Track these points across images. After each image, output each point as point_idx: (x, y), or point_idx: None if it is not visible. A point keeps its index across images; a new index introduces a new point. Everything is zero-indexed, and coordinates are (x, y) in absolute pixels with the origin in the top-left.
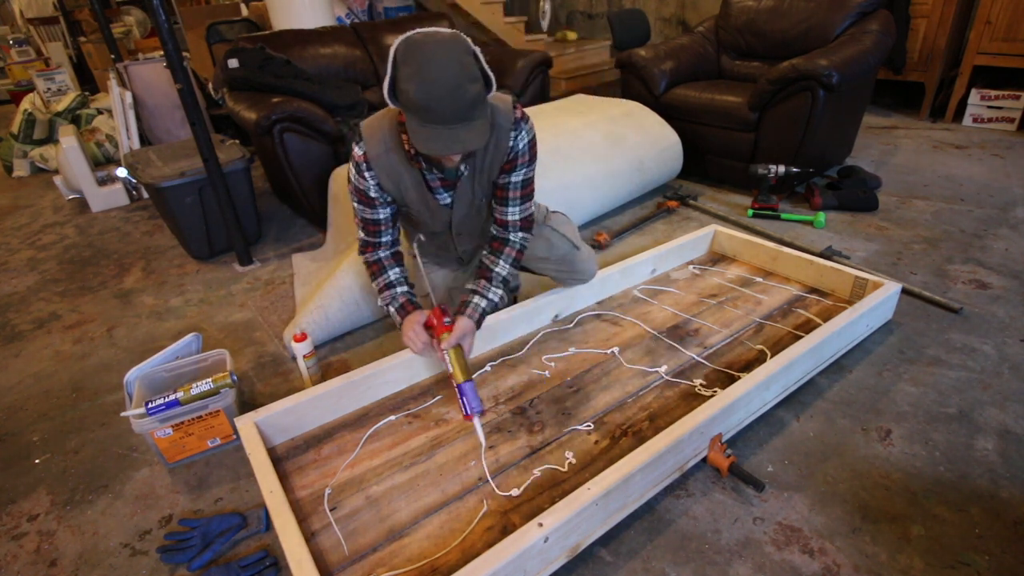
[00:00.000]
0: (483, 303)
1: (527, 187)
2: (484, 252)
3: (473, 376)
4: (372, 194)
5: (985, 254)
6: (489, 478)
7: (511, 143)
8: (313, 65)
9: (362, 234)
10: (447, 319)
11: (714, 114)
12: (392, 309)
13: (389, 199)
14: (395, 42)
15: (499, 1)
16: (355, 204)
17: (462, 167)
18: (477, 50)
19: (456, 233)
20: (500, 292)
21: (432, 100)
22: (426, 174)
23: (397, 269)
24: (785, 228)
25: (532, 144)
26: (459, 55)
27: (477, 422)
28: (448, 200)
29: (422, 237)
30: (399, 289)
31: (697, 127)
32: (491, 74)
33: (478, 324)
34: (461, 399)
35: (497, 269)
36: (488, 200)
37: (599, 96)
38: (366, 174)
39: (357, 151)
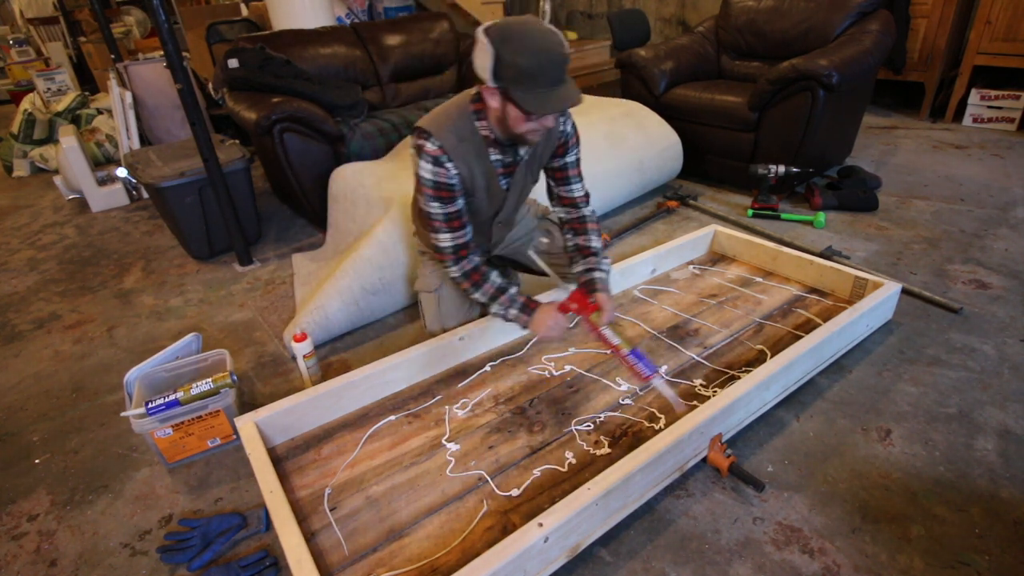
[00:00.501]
0: (604, 273)
1: (579, 166)
2: (569, 236)
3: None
4: (455, 183)
5: (985, 254)
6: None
7: (561, 128)
8: (313, 65)
9: (446, 238)
10: (590, 299)
11: (714, 114)
12: (515, 311)
13: (463, 189)
14: (482, 33)
15: (499, 1)
16: (432, 205)
17: (522, 151)
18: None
19: (499, 221)
20: (608, 259)
21: (542, 66)
22: (493, 158)
23: (496, 271)
24: (785, 228)
25: (575, 127)
26: (546, 27)
27: (660, 383)
28: (506, 186)
29: None
30: (512, 291)
31: (697, 127)
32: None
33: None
34: (638, 363)
35: (594, 244)
36: (533, 183)
37: (599, 96)
38: (447, 165)
39: (430, 147)
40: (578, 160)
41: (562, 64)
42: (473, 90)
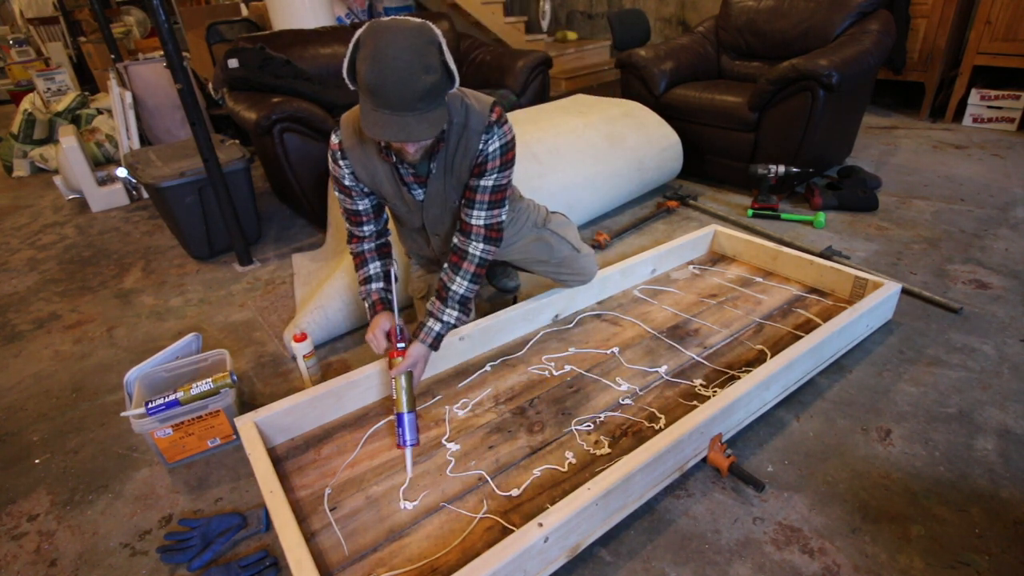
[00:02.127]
0: (436, 326)
1: (497, 193)
2: (444, 267)
3: (416, 408)
4: (347, 183)
5: (985, 254)
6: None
7: (481, 146)
8: (313, 65)
9: (346, 224)
10: (401, 344)
11: (714, 114)
12: (366, 304)
13: (366, 190)
14: (362, 27)
15: (499, 1)
16: (336, 193)
17: (432, 165)
18: (442, 42)
19: (432, 233)
20: (456, 313)
21: (381, 85)
22: (399, 167)
23: (378, 263)
24: (785, 228)
25: (506, 149)
26: (419, 43)
27: (409, 454)
28: (421, 197)
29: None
30: (373, 286)
31: (697, 127)
32: (454, 68)
33: (434, 347)
34: (398, 428)
35: (454, 288)
36: (457, 200)
37: (599, 96)
38: (340, 163)
39: (333, 139)
40: (496, 187)
41: (411, 90)
42: None
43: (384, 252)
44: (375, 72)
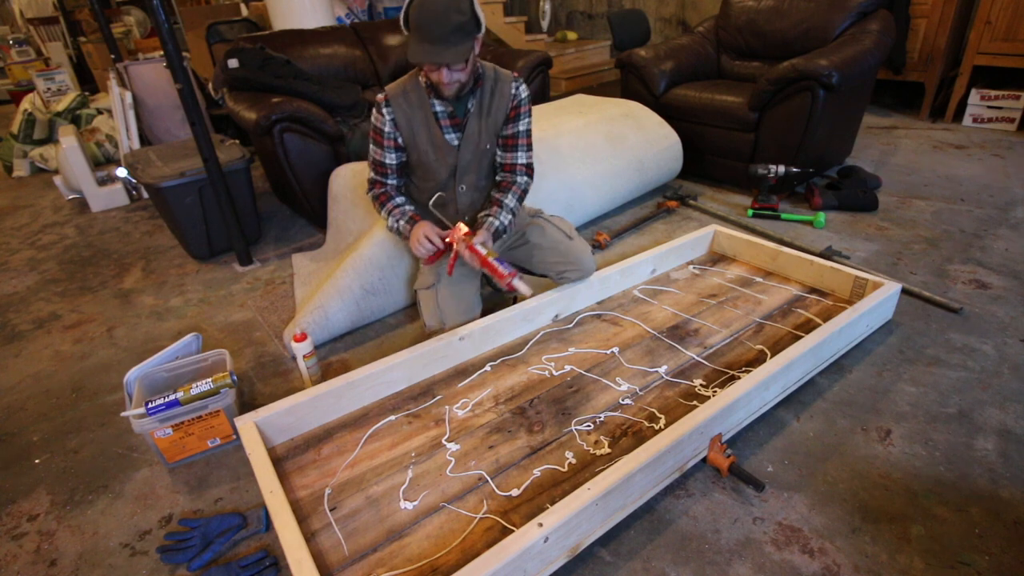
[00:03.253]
0: (496, 222)
1: (529, 136)
2: (492, 193)
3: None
4: (386, 129)
5: (985, 254)
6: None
7: (514, 91)
8: (313, 65)
9: (372, 174)
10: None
11: (714, 114)
12: (402, 223)
13: (400, 142)
14: None
15: (499, 1)
16: (371, 146)
17: (469, 105)
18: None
19: (459, 182)
20: (509, 218)
21: (423, 21)
22: (437, 108)
23: (404, 198)
24: (785, 228)
25: (531, 98)
26: None
27: (518, 282)
28: (456, 141)
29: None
30: (408, 207)
31: (697, 127)
32: (481, 16)
33: (496, 236)
34: (500, 266)
35: (506, 200)
36: (493, 151)
37: (599, 96)
38: (384, 111)
39: (379, 95)
40: (529, 131)
41: (448, 26)
42: None
43: (399, 190)
44: (420, 12)
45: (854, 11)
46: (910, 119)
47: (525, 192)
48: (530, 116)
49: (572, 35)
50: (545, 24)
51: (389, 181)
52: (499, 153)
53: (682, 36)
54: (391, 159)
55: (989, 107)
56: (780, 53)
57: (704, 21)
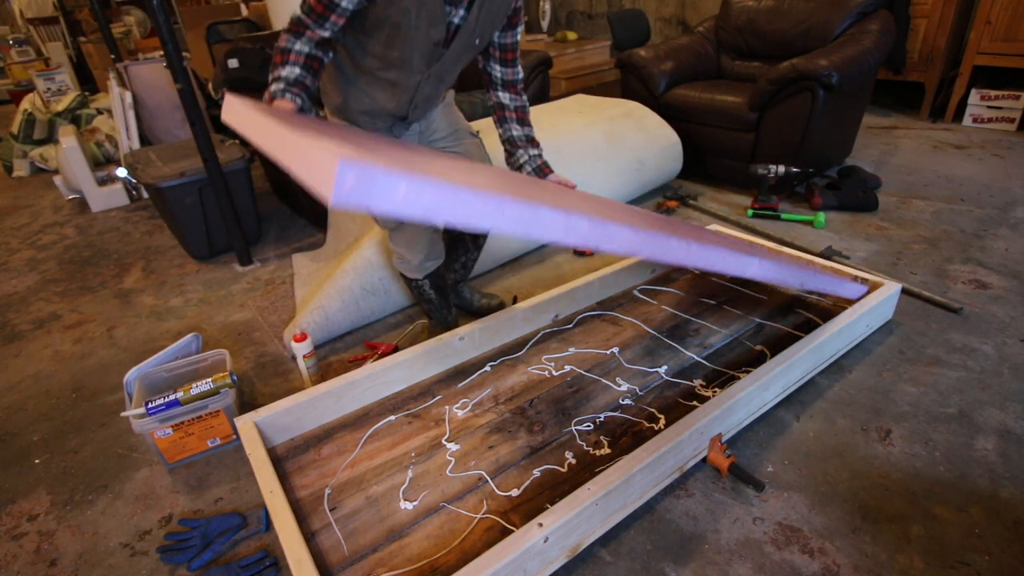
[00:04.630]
0: (542, 158)
1: (520, 47)
2: (515, 127)
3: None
4: None
5: (985, 254)
6: None
7: None
8: None
9: (301, 12)
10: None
11: (714, 114)
12: (287, 95)
13: None
14: None
15: None
16: None
17: None
18: None
19: (433, 73)
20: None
21: None
22: None
23: (306, 75)
24: (785, 228)
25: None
26: None
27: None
28: (448, 16)
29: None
30: (276, 86)
31: (697, 127)
32: None
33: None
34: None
35: (534, 133)
36: (480, 45)
37: (599, 96)
38: None
39: None
40: (519, 42)
41: None
42: None
43: (314, 68)
44: None
45: (854, 11)
46: (910, 119)
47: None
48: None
49: (572, 35)
50: (545, 24)
51: (320, 31)
52: (498, 68)
53: (682, 36)
54: (349, 2)
55: (989, 107)
56: (780, 53)
57: (704, 21)
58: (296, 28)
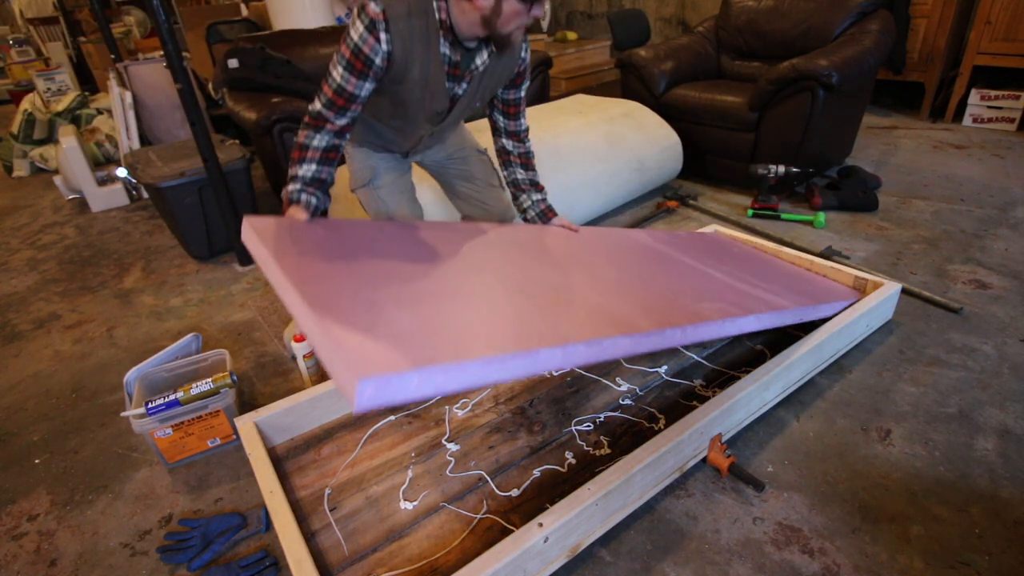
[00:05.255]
0: (545, 202)
1: (525, 101)
2: (519, 171)
3: None
4: (377, 62)
5: (985, 254)
6: None
7: (523, 54)
8: (313, 65)
9: (321, 106)
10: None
11: (714, 114)
12: (303, 197)
13: (382, 72)
14: None
15: None
16: (339, 70)
17: (479, 61)
18: None
19: (433, 126)
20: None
21: None
22: (444, 51)
23: (327, 167)
24: (785, 228)
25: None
26: None
27: None
28: (454, 92)
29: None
30: (292, 187)
31: (697, 127)
32: None
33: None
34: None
35: (538, 178)
36: (480, 105)
37: (599, 96)
38: (382, 35)
39: (373, 7)
40: (525, 96)
41: None
42: None
43: (331, 159)
44: None
45: (854, 11)
46: (910, 119)
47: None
48: (529, 80)
49: (572, 35)
50: (545, 24)
51: (340, 121)
52: (503, 121)
53: (682, 36)
54: (367, 89)
55: (989, 107)
56: (780, 53)
57: (704, 21)
58: (316, 122)
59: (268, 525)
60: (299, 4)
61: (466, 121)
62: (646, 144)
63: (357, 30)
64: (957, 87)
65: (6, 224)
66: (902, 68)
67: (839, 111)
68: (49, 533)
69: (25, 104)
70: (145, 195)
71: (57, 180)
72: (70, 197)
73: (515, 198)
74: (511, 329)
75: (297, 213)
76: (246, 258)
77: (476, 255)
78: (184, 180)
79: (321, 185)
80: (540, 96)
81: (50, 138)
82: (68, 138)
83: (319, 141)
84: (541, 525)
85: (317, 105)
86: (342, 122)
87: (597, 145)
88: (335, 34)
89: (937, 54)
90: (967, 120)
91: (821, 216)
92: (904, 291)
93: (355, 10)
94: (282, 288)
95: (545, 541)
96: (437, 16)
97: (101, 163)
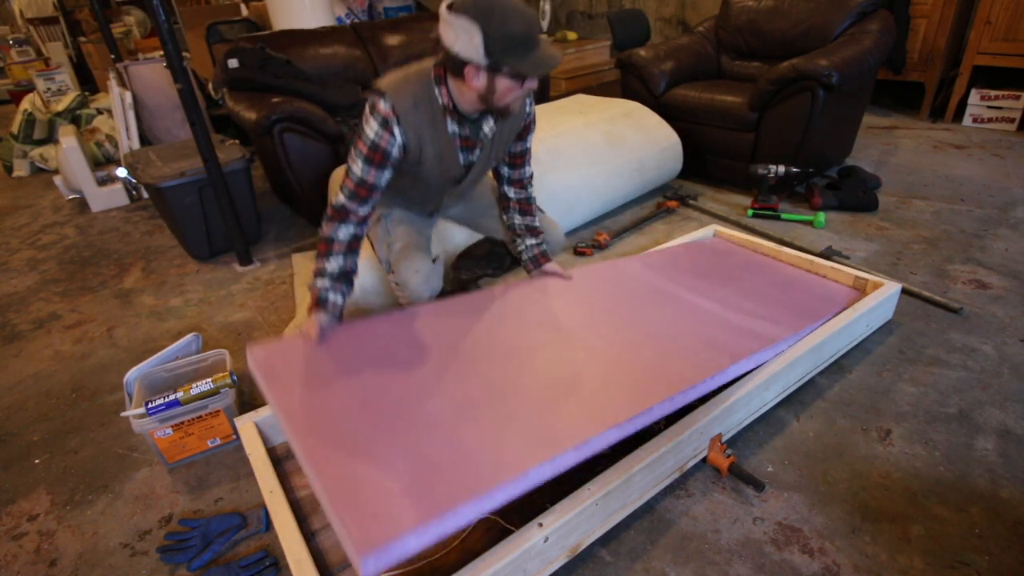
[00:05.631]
0: (548, 248)
1: (530, 150)
2: (516, 216)
3: None
4: (393, 152)
5: (985, 254)
6: None
7: (528, 108)
8: (313, 65)
9: (345, 199)
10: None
11: (714, 114)
12: (325, 294)
13: (399, 161)
14: (454, 13)
15: None
16: (357, 163)
17: (487, 128)
18: None
19: (451, 192)
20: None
21: (531, 28)
22: (452, 128)
23: (350, 256)
24: (785, 228)
25: (534, 114)
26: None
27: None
28: (465, 162)
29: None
30: (321, 282)
31: (697, 127)
32: None
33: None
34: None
35: (538, 223)
36: (496, 163)
37: (599, 96)
38: (395, 129)
39: (383, 106)
40: (531, 145)
41: (537, 27)
42: (432, 60)
43: (355, 248)
44: (525, 22)
45: (854, 11)
46: (910, 119)
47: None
48: (535, 129)
49: (572, 35)
50: (545, 24)
51: (363, 210)
52: (507, 171)
53: (682, 36)
54: (385, 177)
55: (989, 107)
56: (780, 53)
57: (704, 21)
58: (340, 215)
59: (268, 525)
60: (299, 4)
61: None
62: (646, 144)
63: (372, 127)
64: (957, 87)
65: (6, 224)
66: (902, 68)
67: (839, 111)
68: (49, 533)
69: (25, 104)
70: (145, 195)
71: (57, 180)
72: (70, 197)
73: (512, 241)
74: (501, 455)
75: (312, 329)
76: (246, 258)
77: (468, 352)
78: (184, 180)
79: (347, 278)
80: (540, 96)
81: (50, 138)
82: (68, 138)
83: (344, 233)
84: (541, 525)
85: (341, 199)
86: (365, 211)
87: (597, 145)
88: (335, 34)
89: (937, 54)
90: (967, 120)
91: (821, 216)
92: (904, 291)
93: (367, 108)
94: (287, 434)
95: (545, 541)
96: (440, 101)
97: (101, 163)
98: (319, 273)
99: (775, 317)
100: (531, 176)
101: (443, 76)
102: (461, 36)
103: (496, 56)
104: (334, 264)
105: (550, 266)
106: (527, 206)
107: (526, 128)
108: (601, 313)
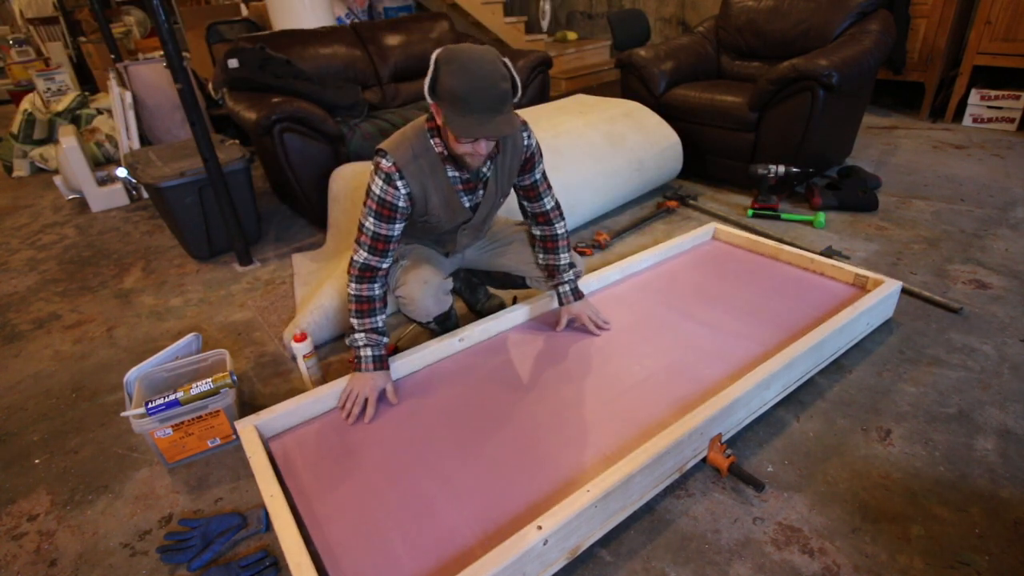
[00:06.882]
0: (568, 287)
1: (547, 178)
2: (540, 254)
3: None
4: (400, 204)
5: (985, 254)
6: None
7: (525, 142)
8: (313, 65)
9: (365, 254)
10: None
11: (714, 114)
12: (366, 352)
13: (408, 212)
14: (435, 52)
15: (499, 1)
16: (369, 220)
17: (484, 169)
18: (507, 60)
19: (465, 233)
20: (576, 267)
21: (472, 91)
22: (451, 174)
23: (383, 313)
24: (785, 228)
25: (538, 143)
26: (493, 58)
27: None
28: (468, 203)
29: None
30: (383, 339)
31: (697, 127)
32: (518, 80)
33: (579, 297)
34: None
35: (562, 261)
36: (503, 199)
37: (599, 96)
38: (398, 183)
39: (385, 163)
40: (544, 174)
41: (497, 96)
42: (424, 116)
43: (387, 301)
44: (470, 84)
45: (854, 11)
46: (910, 119)
47: (568, 239)
48: (542, 160)
49: (572, 35)
50: (545, 24)
51: (383, 264)
52: (526, 204)
53: (682, 36)
54: (398, 229)
55: (989, 107)
56: (780, 53)
57: (704, 21)
58: (367, 274)
59: (268, 525)
60: (299, 4)
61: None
62: (646, 144)
63: (378, 184)
64: (957, 87)
65: (6, 224)
66: (902, 68)
67: (839, 111)
68: (49, 533)
69: (25, 104)
70: (145, 195)
71: (57, 180)
72: (70, 197)
73: (548, 277)
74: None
75: (373, 395)
76: (246, 258)
77: (474, 420)
78: (184, 180)
79: (384, 332)
80: (540, 96)
81: (50, 138)
82: (68, 138)
83: (379, 290)
84: (540, 527)
85: (360, 257)
86: (387, 264)
87: (597, 145)
88: (335, 34)
89: (937, 54)
90: (967, 120)
91: (821, 216)
92: (904, 291)
93: (372, 168)
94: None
95: (544, 544)
96: (436, 151)
97: (101, 163)
98: (362, 330)
99: (773, 335)
100: (554, 208)
101: (435, 128)
102: (429, 73)
103: (439, 100)
104: (375, 321)
105: (580, 304)
106: (554, 243)
107: (528, 161)
108: (605, 373)
